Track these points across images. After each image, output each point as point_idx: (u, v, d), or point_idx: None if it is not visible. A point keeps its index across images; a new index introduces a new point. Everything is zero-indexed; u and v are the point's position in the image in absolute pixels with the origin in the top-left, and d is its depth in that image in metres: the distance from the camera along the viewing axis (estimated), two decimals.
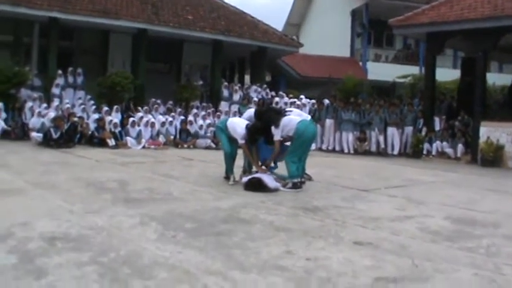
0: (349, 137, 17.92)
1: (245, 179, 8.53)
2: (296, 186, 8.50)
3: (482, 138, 15.49)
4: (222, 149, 9.39)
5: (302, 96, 21.27)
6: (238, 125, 8.98)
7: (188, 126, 16.74)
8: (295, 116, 8.98)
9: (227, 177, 9.26)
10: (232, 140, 9.11)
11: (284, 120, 8.64)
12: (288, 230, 5.65)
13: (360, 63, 31.47)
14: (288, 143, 8.76)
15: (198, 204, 6.85)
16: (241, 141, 8.88)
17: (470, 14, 15.67)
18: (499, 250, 5.28)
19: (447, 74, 23.86)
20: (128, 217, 5.82)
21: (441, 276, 4.32)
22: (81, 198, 6.81)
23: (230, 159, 9.20)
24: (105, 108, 16.31)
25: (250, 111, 9.73)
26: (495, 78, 24.82)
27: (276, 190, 8.28)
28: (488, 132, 15.47)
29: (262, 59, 24.03)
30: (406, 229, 6.01)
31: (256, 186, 8.19)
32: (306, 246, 5.02)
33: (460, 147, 16.46)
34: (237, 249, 4.75)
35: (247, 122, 8.98)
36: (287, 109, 10.08)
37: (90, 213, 5.94)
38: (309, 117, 9.59)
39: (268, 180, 8.38)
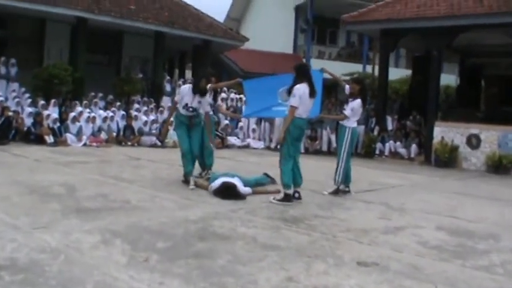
0: None
1: (215, 183, 7.62)
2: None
3: (436, 139, 15.17)
4: (179, 147, 8.47)
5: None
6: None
7: (132, 122, 15.62)
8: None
9: (186, 181, 8.39)
10: (190, 136, 8.28)
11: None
12: (277, 247, 4.85)
13: (304, 60, 30.92)
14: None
15: (163, 215, 5.93)
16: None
17: (427, 12, 15.29)
18: None
19: (390, 72, 23.56)
20: (85, 233, 4.86)
21: None
22: (25, 209, 5.74)
23: (189, 158, 8.29)
24: (42, 102, 14.96)
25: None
26: None
27: (245, 197, 7.47)
28: (442, 132, 15.17)
29: (205, 53, 23.04)
30: (405, 244, 5.33)
31: (229, 192, 7.34)
32: (306, 269, 4.23)
33: (414, 147, 16.11)
34: (229, 277, 3.90)
35: None
36: None
37: (38, 228, 4.92)
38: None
39: (240, 185, 7.56)
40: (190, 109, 8.22)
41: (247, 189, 7.66)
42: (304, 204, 7.34)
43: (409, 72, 25.78)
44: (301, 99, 7.16)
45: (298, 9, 31.51)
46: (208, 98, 8.82)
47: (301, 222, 6.10)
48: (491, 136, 14.43)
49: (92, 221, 5.38)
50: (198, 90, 8.22)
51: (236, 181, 7.60)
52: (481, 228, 6.47)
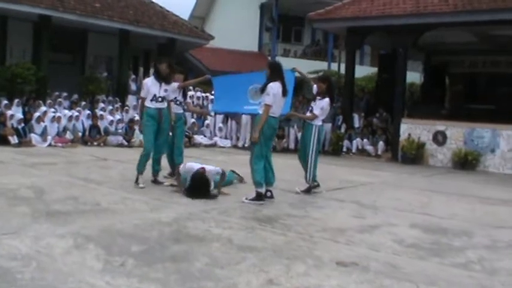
0: None
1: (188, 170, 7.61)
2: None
3: (403, 136, 15.30)
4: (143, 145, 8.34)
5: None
6: None
7: (98, 122, 15.34)
8: None
9: (155, 181, 8.30)
10: (158, 137, 8.14)
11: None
12: (254, 249, 4.78)
13: (269, 58, 30.84)
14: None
15: (135, 217, 5.81)
16: None
17: (393, 10, 15.40)
18: (493, 266, 4.76)
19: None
20: (57, 238, 4.71)
21: None
22: None
23: (146, 160, 8.14)
24: (5, 102, 14.55)
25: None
26: None
27: (216, 196, 7.40)
28: (409, 129, 15.32)
29: (171, 52, 22.82)
30: (381, 243, 5.32)
31: (201, 190, 7.26)
32: (286, 271, 4.17)
33: (381, 144, 16.22)
34: (208, 281, 3.82)
35: None
36: None
37: (8, 234, 4.74)
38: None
39: (209, 169, 7.55)
40: (160, 99, 8.06)
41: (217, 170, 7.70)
42: (276, 203, 7.29)
43: (373, 69, 26.02)
44: (275, 98, 7.11)
45: (263, 7, 31.41)
46: (177, 90, 8.71)
47: (275, 222, 6.04)
48: (456, 133, 14.63)
49: (63, 225, 5.23)
50: (162, 77, 8.08)
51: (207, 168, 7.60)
52: (454, 224, 6.51)
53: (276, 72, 7.29)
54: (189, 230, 5.37)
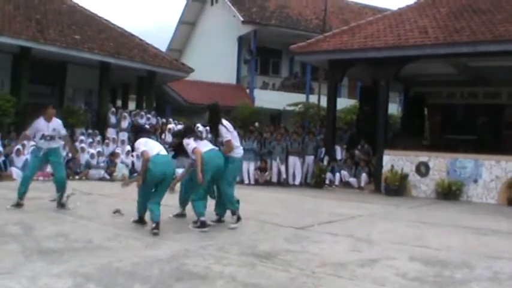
0: (250, 167, 17.05)
1: None
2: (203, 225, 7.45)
3: (386, 167, 15.31)
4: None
5: (198, 124, 20.22)
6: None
7: (80, 155, 15.12)
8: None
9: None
10: None
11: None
12: (259, 286, 4.66)
13: (247, 91, 30.95)
14: None
15: (132, 255, 5.65)
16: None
17: (375, 43, 15.55)
18: None
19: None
20: (55, 278, 4.53)
21: None
22: None
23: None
24: None
25: None
26: None
27: None
28: (392, 161, 15.32)
29: (150, 84, 22.85)
30: (385, 277, 5.23)
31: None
32: None
33: (364, 176, 16.22)
34: None
35: None
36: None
37: (3, 274, 4.55)
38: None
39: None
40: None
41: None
42: (272, 238, 7.18)
43: (351, 101, 26.26)
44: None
45: (241, 40, 31.52)
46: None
47: (274, 257, 5.92)
48: (439, 163, 14.68)
49: (58, 264, 5.05)
50: None
51: None
52: (452, 256, 6.45)
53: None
54: (190, 267, 5.23)
